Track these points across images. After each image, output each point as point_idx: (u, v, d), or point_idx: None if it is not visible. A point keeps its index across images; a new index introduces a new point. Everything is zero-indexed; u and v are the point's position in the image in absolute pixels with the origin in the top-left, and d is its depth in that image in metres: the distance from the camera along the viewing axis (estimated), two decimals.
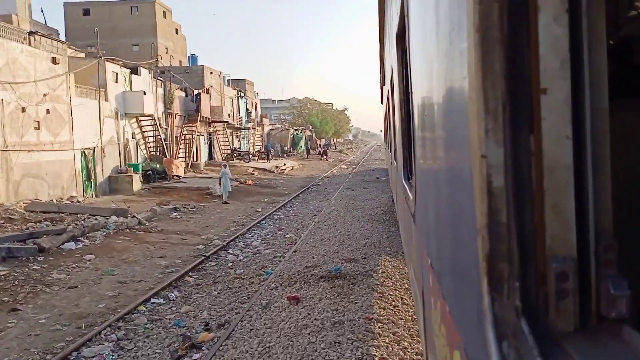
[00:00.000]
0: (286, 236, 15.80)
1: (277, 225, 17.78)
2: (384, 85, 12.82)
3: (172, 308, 9.58)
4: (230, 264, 12.63)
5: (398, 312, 8.21)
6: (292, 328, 7.66)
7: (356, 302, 8.57)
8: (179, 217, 19.10)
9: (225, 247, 14.30)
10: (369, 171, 40.84)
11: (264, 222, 18.41)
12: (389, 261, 11.21)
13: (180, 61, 55.67)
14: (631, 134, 2.35)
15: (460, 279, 1.42)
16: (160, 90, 32.58)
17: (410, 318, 7.98)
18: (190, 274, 11.73)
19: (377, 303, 8.60)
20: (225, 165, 23.81)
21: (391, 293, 9.09)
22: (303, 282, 9.87)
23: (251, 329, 7.95)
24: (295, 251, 12.88)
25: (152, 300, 9.98)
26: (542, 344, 0.95)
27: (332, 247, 12.59)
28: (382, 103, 18.48)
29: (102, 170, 24.74)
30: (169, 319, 9.00)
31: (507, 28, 0.98)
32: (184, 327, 8.54)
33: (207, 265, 12.58)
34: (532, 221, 0.99)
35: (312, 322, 7.79)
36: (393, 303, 8.64)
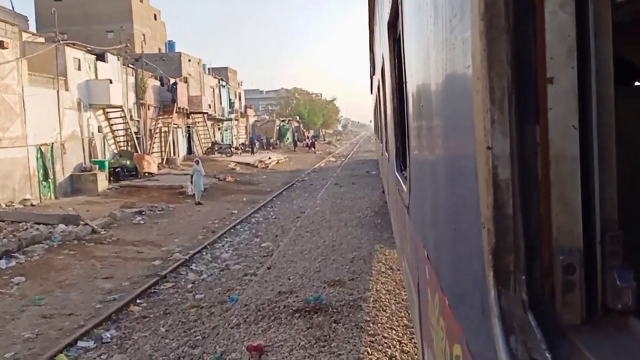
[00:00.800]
0: (262, 245, 13.60)
1: (254, 231, 15.56)
2: (374, 74, 12.09)
3: (102, 356, 7.34)
4: (190, 286, 10.40)
5: None
6: None
7: (339, 354, 6.38)
8: (142, 222, 16.77)
9: (188, 261, 12.06)
10: (359, 164, 38.68)
11: (239, 227, 16.16)
12: (382, 283, 9.03)
13: (159, 49, 52.93)
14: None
15: (462, 272, 1.40)
16: (132, 79, 30.04)
17: None
18: (137, 300, 9.49)
19: (368, 353, 6.43)
20: (197, 162, 21.42)
21: (387, 335, 6.91)
22: (272, 318, 7.66)
23: None
24: (269, 268, 10.68)
25: (80, 343, 7.75)
26: (549, 337, 0.94)
27: (313, 264, 10.38)
28: (371, 93, 17.58)
29: (63, 168, 22.27)
30: None
31: (512, 16, 0.96)
32: None
33: (162, 287, 10.33)
34: (538, 213, 0.98)
35: None
36: (389, 351, 6.47)
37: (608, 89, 0.96)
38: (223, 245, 13.79)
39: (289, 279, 9.51)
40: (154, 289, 10.24)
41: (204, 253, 12.91)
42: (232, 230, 15.60)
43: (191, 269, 11.63)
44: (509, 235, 0.98)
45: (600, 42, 0.95)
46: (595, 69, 0.94)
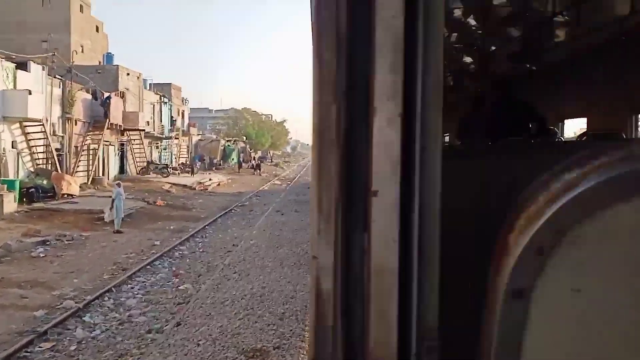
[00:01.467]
0: (180, 288, 11.48)
1: (174, 268, 13.38)
2: None
3: None
4: (74, 347, 8.18)
5: None
6: None
7: None
8: (42, 255, 14.20)
9: (82, 310, 9.79)
10: (304, 188, 36.84)
11: (157, 262, 13.92)
12: None
13: (100, 61, 49.91)
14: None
15: None
16: (58, 91, 27.30)
17: None
18: None
19: None
20: (119, 184, 19.07)
21: None
22: None
23: None
24: (179, 324, 8.60)
25: None
26: None
27: (233, 322, 8.37)
28: None
29: None
30: None
31: (344, 130, 0.98)
32: None
33: (36, 349, 8.05)
34: (360, 325, 0.98)
35: None
36: None
37: (434, 201, 0.97)
38: (132, 288, 11.55)
39: (198, 345, 7.47)
40: (25, 351, 7.96)
41: (106, 298, 10.65)
42: (148, 267, 13.36)
43: (84, 320, 9.37)
44: (328, 346, 0.97)
45: (426, 155, 0.96)
46: (419, 182, 0.96)
